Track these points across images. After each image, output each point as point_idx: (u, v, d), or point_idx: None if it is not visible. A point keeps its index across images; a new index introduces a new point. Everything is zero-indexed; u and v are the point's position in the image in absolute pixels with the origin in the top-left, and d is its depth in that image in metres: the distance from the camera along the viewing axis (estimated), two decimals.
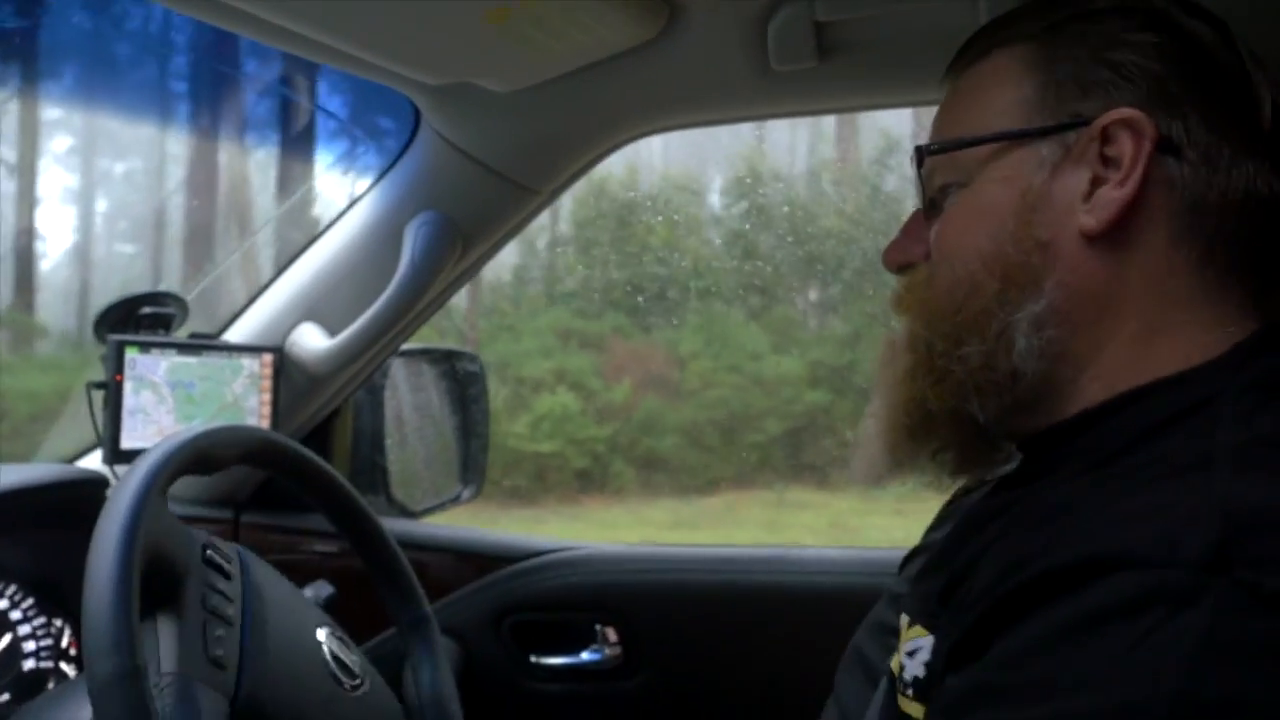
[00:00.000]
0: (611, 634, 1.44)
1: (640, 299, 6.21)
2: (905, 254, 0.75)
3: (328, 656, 0.79)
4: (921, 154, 0.72)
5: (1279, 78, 0.67)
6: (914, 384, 0.70)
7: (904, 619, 0.70)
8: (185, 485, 0.84)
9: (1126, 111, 0.63)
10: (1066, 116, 0.66)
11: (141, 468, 0.74)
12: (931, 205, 0.73)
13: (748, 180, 5.95)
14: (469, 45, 0.95)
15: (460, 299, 5.49)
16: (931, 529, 0.93)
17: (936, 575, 0.67)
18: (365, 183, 1.30)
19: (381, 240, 1.27)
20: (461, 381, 1.66)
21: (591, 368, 6.27)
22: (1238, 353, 0.62)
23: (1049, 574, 0.52)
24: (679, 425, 6.08)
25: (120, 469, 1.24)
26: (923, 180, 0.73)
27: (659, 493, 5.95)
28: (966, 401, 0.67)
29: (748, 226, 5.98)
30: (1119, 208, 0.63)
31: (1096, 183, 0.64)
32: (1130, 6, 0.67)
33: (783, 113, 1.23)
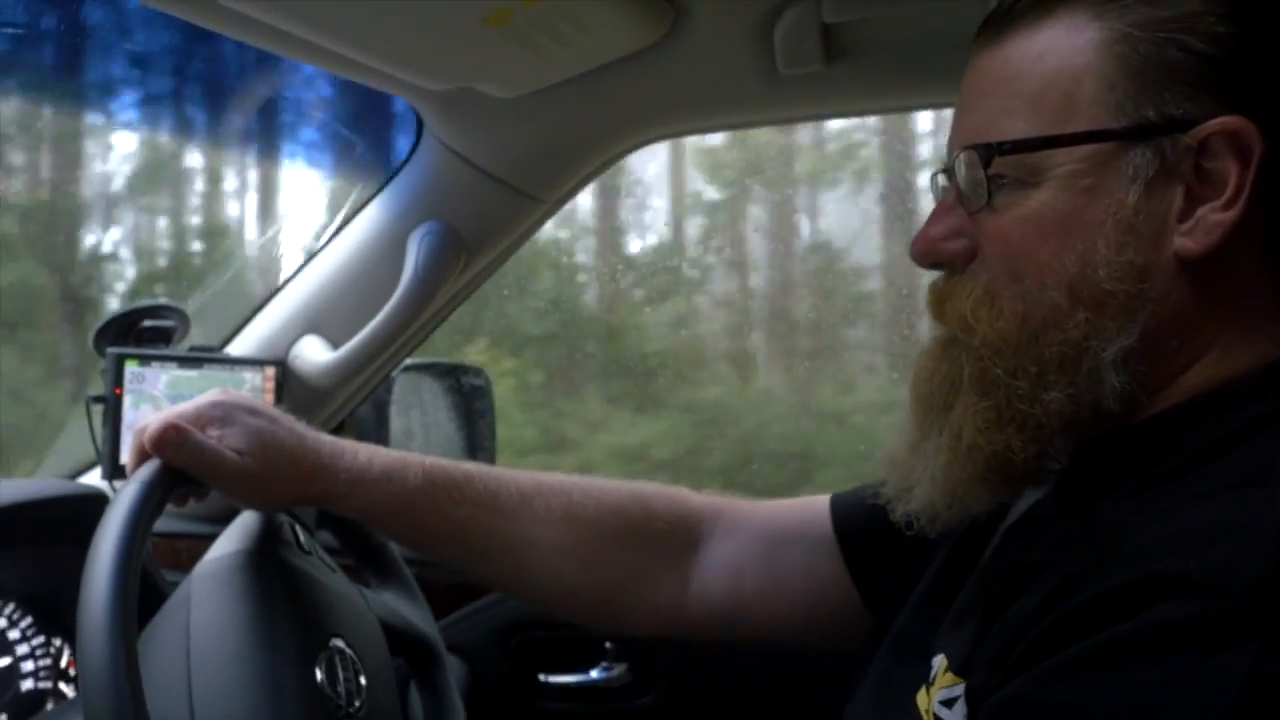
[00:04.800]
0: (621, 651, 1.42)
1: None
2: (942, 250, 0.65)
3: (319, 681, 0.76)
4: (991, 153, 0.61)
5: None
6: (995, 435, 0.62)
7: (940, 658, 0.63)
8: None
9: (1232, 121, 0.57)
10: (1156, 116, 0.58)
11: (133, 486, 0.73)
12: (976, 195, 0.63)
13: None
14: (470, 49, 0.94)
15: None
16: (913, 559, 0.79)
17: (974, 610, 0.62)
18: (368, 192, 1.29)
19: (384, 251, 1.25)
20: (467, 396, 1.63)
21: None
22: None
23: (1102, 595, 0.50)
24: None
25: (120, 484, 1.22)
26: (966, 167, 0.63)
27: None
28: (1050, 445, 0.61)
29: None
30: (1224, 232, 0.57)
31: (1190, 198, 0.58)
32: None
33: (791, 117, 1.21)
